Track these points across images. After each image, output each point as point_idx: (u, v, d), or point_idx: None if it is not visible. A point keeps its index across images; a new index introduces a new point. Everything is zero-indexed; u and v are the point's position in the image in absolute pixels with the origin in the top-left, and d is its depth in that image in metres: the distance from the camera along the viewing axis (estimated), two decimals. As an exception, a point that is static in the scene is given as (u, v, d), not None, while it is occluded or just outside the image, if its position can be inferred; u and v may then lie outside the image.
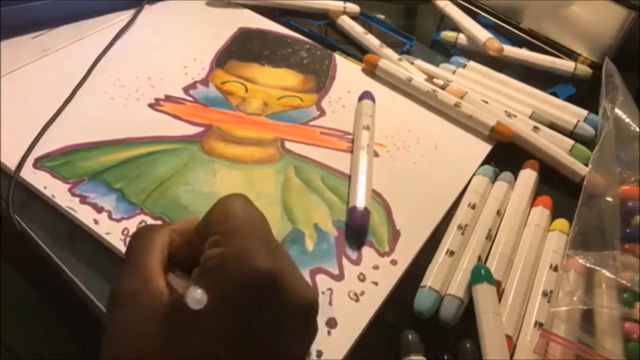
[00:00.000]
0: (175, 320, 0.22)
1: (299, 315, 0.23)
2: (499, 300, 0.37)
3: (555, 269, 0.39)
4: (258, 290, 0.22)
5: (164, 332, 0.22)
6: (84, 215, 0.38)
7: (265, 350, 0.22)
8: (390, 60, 0.55)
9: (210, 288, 0.20)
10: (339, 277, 0.37)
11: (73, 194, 0.39)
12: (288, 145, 0.46)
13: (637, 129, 0.48)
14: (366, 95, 0.50)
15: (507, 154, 0.48)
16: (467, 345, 0.34)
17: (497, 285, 0.37)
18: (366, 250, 0.39)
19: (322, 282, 0.37)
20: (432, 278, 0.37)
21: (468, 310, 0.36)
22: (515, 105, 0.53)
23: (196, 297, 0.20)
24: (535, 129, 0.50)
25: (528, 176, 0.46)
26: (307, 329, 0.24)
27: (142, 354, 0.22)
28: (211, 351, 0.21)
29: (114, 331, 0.23)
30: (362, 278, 0.37)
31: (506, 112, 0.51)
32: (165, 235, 0.25)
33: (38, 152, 0.42)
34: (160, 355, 0.21)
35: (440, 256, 0.39)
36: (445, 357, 0.34)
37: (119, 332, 0.23)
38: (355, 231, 0.40)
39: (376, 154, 0.46)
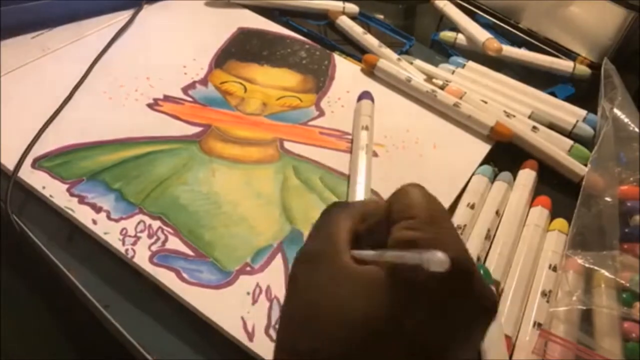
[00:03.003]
0: (384, 290, 0.21)
1: (483, 315, 0.23)
2: (498, 299, 0.37)
3: (554, 269, 0.39)
4: (453, 278, 0.21)
5: (369, 302, 0.21)
6: (83, 215, 0.38)
7: (446, 343, 0.22)
8: (389, 60, 0.55)
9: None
10: (338, 277, 0.37)
11: (71, 194, 0.39)
12: (287, 145, 0.46)
13: (636, 129, 0.48)
14: (365, 96, 0.50)
15: (506, 154, 0.48)
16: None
17: (496, 285, 0.37)
18: (365, 250, 0.39)
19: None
20: (431, 278, 0.37)
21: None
22: (514, 105, 0.53)
23: (441, 258, 0.19)
24: (534, 129, 0.50)
25: (527, 176, 0.46)
26: (483, 332, 0.23)
27: (334, 315, 0.22)
28: (402, 326, 0.21)
29: (298, 286, 0.24)
30: (360, 278, 0.37)
31: (505, 112, 0.51)
32: (357, 213, 0.26)
33: (36, 152, 0.42)
34: (364, 326, 0.21)
35: (439, 256, 0.39)
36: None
37: (303, 286, 0.24)
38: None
39: (375, 154, 0.46)
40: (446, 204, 0.43)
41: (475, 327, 0.23)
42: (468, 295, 0.22)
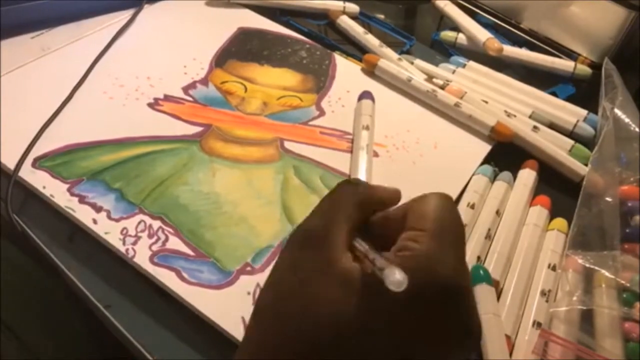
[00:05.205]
0: (358, 292, 0.21)
1: (463, 341, 0.22)
2: (498, 298, 0.37)
3: (554, 268, 0.39)
4: (438, 299, 0.21)
5: (342, 299, 0.21)
6: (83, 214, 0.38)
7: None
8: (390, 60, 0.55)
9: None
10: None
11: (72, 194, 0.39)
12: (287, 145, 0.46)
13: (637, 129, 0.48)
14: (366, 95, 0.50)
15: (506, 153, 0.48)
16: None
17: (496, 284, 0.37)
18: (365, 250, 0.39)
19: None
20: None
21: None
22: (515, 105, 0.53)
23: (399, 279, 0.19)
24: (535, 128, 0.50)
25: (527, 176, 0.46)
26: (461, 357, 0.23)
27: (312, 312, 0.21)
28: (376, 335, 0.21)
29: (282, 266, 0.24)
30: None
31: (506, 112, 0.51)
32: (366, 199, 0.25)
33: (37, 151, 0.42)
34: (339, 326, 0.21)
35: (439, 256, 0.39)
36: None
37: (288, 267, 0.23)
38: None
39: (376, 154, 0.46)
40: (447, 204, 0.43)
41: (450, 351, 0.22)
42: (448, 319, 0.21)
